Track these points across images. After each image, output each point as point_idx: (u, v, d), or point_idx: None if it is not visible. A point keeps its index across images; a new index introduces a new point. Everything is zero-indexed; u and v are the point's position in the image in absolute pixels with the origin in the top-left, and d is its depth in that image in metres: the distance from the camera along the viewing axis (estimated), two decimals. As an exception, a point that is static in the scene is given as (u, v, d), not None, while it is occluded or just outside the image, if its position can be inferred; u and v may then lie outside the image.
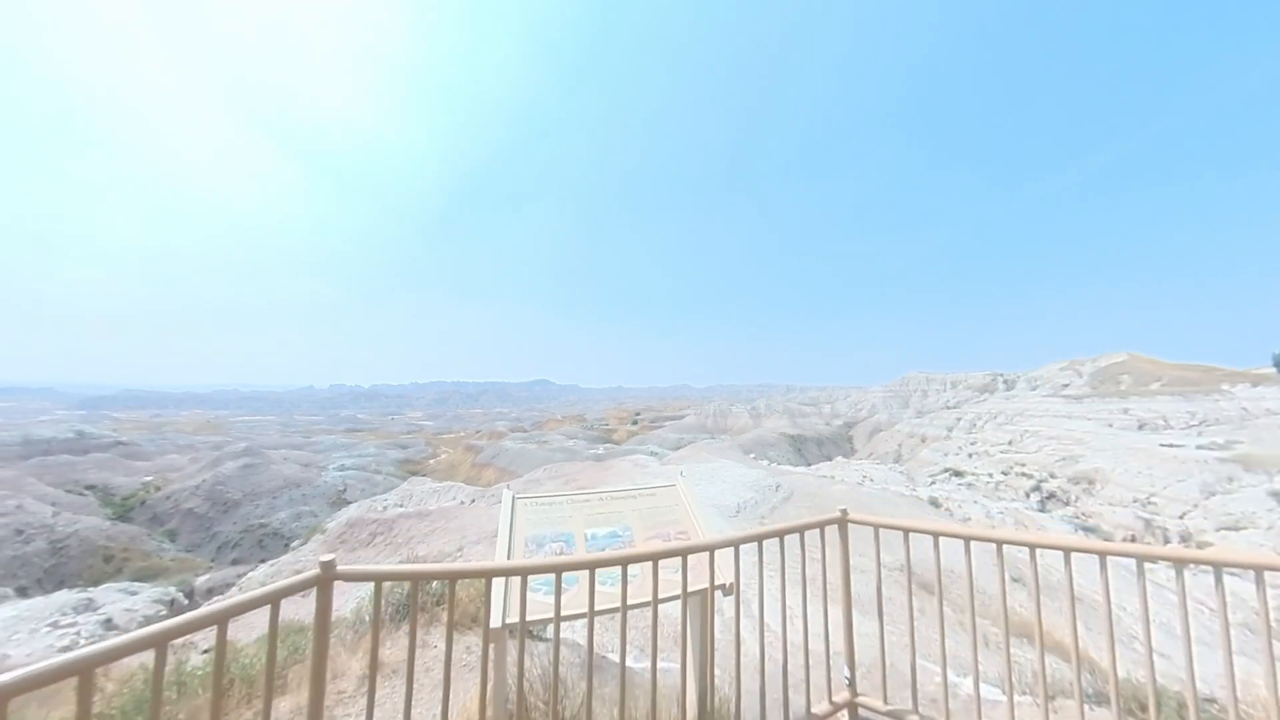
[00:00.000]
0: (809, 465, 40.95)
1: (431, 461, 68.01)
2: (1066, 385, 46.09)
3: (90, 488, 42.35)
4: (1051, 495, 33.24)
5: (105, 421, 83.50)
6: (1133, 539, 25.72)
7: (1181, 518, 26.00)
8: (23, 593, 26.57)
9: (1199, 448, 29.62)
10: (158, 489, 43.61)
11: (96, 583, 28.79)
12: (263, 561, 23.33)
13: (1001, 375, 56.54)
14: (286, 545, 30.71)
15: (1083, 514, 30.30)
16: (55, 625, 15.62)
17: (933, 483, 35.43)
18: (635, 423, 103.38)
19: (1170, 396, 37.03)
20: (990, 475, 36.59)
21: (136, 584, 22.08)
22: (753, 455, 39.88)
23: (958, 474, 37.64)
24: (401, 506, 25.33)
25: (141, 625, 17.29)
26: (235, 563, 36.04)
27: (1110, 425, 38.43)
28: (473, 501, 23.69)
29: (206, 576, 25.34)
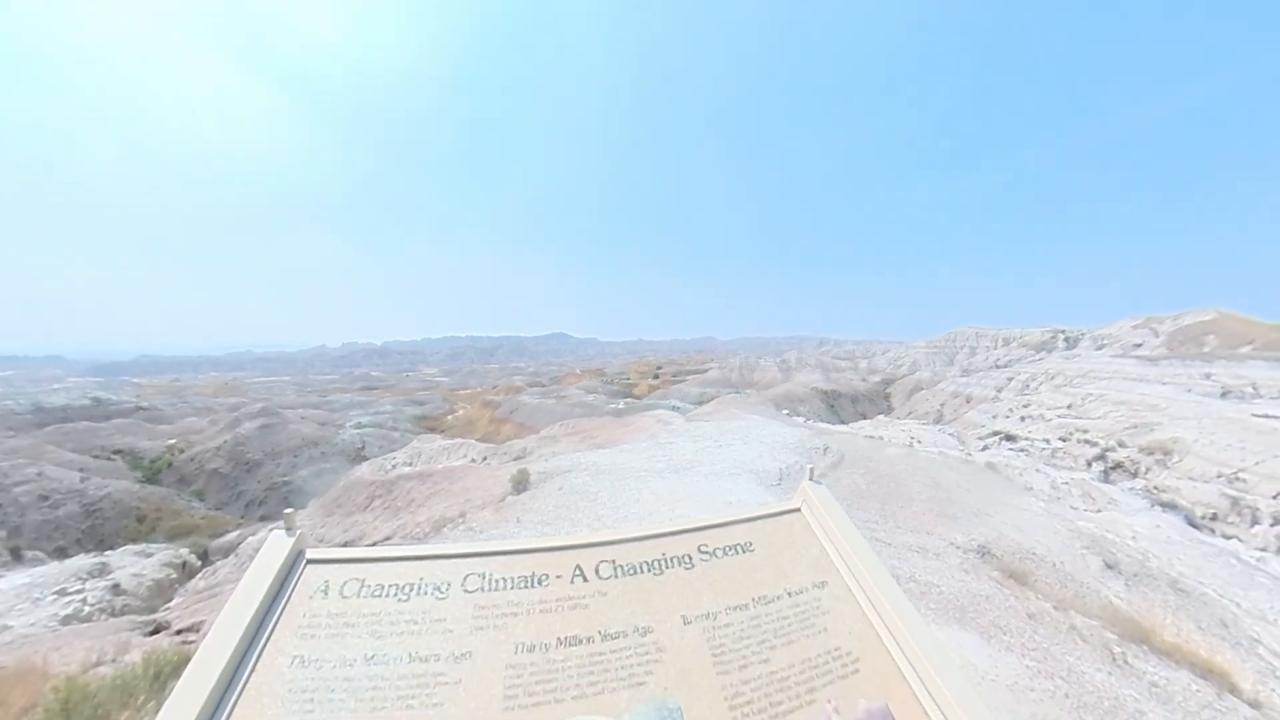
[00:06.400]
0: (844, 423, 38.43)
1: (449, 418, 67.69)
2: (1139, 345, 41.50)
3: (117, 452, 42.68)
4: (1118, 465, 30.05)
5: (125, 387, 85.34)
6: (1214, 517, 23.13)
7: (1276, 498, 22.92)
8: (61, 554, 26.50)
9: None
10: (182, 451, 43.79)
11: (134, 541, 28.56)
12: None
13: (1063, 332, 51.56)
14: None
15: (1155, 487, 27.26)
16: (63, 592, 14.61)
17: (985, 447, 32.63)
18: (657, 376, 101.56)
19: (1265, 362, 32.46)
20: (1046, 441, 33.38)
21: (152, 545, 21.43)
22: (785, 411, 37.48)
23: (1009, 438, 34.55)
24: (410, 465, 23.94)
25: (150, 590, 15.91)
26: (264, 519, 36.25)
27: (1189, 390, 34.40)
28: (484, 460, 22.05)
29: (234, 534, 24.67)
